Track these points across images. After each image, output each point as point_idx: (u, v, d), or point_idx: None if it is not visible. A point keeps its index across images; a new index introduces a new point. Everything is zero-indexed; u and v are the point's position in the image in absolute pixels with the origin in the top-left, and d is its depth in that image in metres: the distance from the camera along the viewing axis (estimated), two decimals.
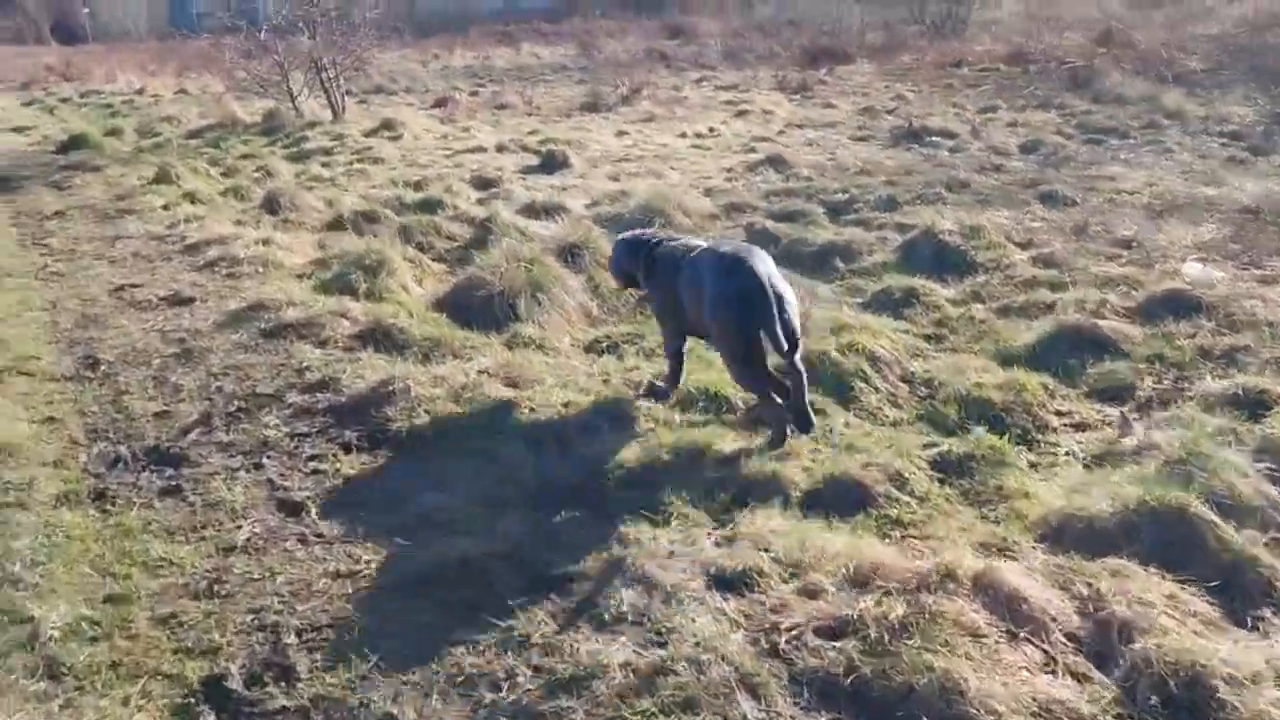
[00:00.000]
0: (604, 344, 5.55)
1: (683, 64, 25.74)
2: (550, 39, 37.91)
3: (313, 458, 4.23)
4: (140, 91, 23.74)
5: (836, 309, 5.57)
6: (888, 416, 4.46)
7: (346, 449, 4.27)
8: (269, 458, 4.26)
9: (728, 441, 4.01)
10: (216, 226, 8.46)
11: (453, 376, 4.79)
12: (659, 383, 4.65)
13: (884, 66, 22.08)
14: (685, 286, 4.20)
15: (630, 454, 3.92)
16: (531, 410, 4.44)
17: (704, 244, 4.37)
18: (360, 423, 4.50)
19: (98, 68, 29.68)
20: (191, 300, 6.58)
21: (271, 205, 9.42)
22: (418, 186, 10.37)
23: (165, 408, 4.90)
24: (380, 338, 5.60)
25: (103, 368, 5.46)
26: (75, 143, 14.25)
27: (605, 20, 45.38)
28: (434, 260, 7.66)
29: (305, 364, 5.29)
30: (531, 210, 8.90)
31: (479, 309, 6.03)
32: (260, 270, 7.15)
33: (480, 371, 4.90)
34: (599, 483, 3.80)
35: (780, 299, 3.86)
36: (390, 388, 4.70)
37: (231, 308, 6.27)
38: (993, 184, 9.02)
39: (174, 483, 4.09)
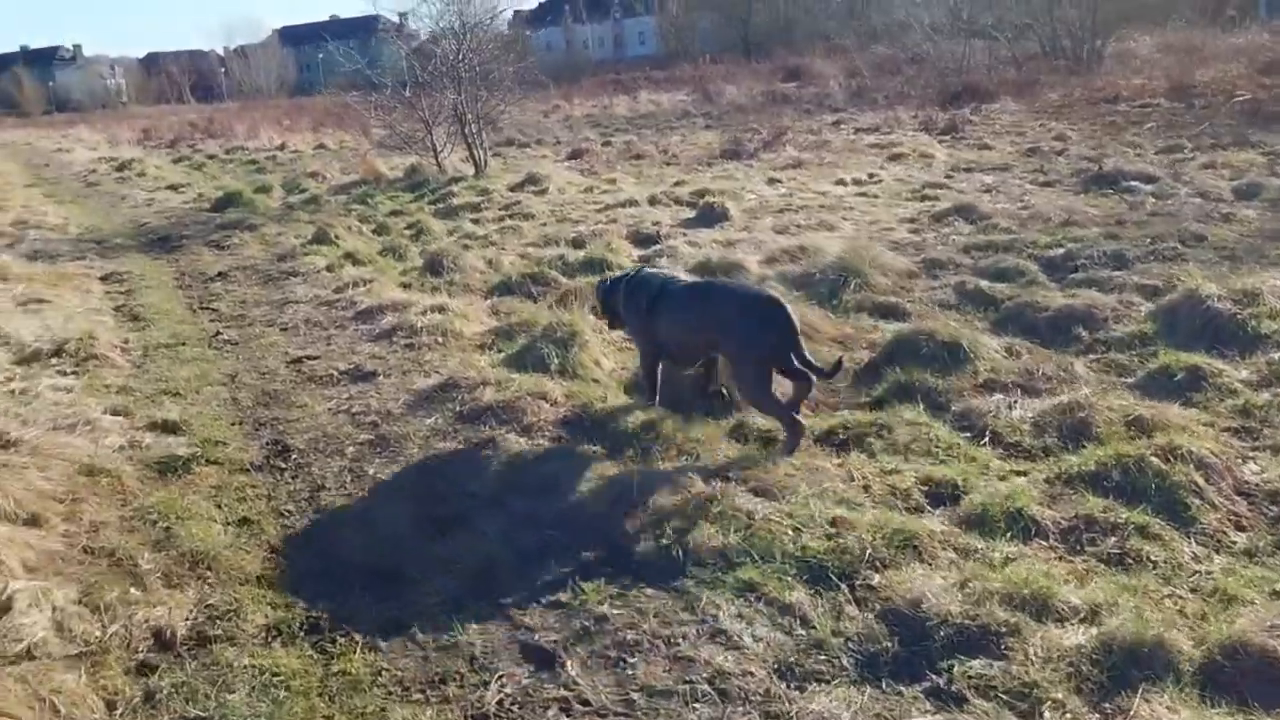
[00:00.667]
0: (841, 434, 4.87)
1: (807, 106, 25.11)
2: (663, 85, 37.80)
3: (551, 585, 3.64)
4: (281, 147, 24.30)
5: (1123, 396, 4.79)
6: (1234, 542, 3.65)
7: (587, 574, 3.68)
8: (499, 583, 3.70)
9: (1069, 588, 3.25)
10: (385, 291, 8.14)
11: (690, 481, 4.16)
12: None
13: (1031, 104, 21.02)
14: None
15: (950, 604, 3.20)
16: (797, 530, 3.78)
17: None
18: (596, 540, 3.91)
19: (238, 124, 30.71)
20: (374, 375, 6.17)
21: (434, 267, 9.07)
22: (576, 244, 9.92)
23: (369, 509, 4.42)
24: (589, 425, 5.05)
25: (294, 456, 5.04)
26: (229, 200, 14.37)
27: (715, 64, 45.31)
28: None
29: (514, 457, 4.75)
30: (706, 270, 8.31)
31: (683, 390, 5.44)
32: (440, 341, 6.72)
33: (718, 474, 4.27)
34: (926, 647, 3.08)
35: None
36: (623, 495, 4.11)
37: (419, 385, 5.82)
38: (1230, 236, 8.05)
39: (397, 615, 3.56)
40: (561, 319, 6.35)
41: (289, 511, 4.47)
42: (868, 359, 6.07)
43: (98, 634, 3.44)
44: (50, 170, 24.30)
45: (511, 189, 13.91)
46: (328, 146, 24.18)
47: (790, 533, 3.77)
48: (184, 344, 7.20)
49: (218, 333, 7.48)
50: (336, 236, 10.68)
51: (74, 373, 6.43)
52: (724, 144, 17.68)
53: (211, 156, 23.85)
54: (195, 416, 5.62)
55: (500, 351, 6.53)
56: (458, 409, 5.40)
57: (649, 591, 3.54)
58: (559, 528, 4.04)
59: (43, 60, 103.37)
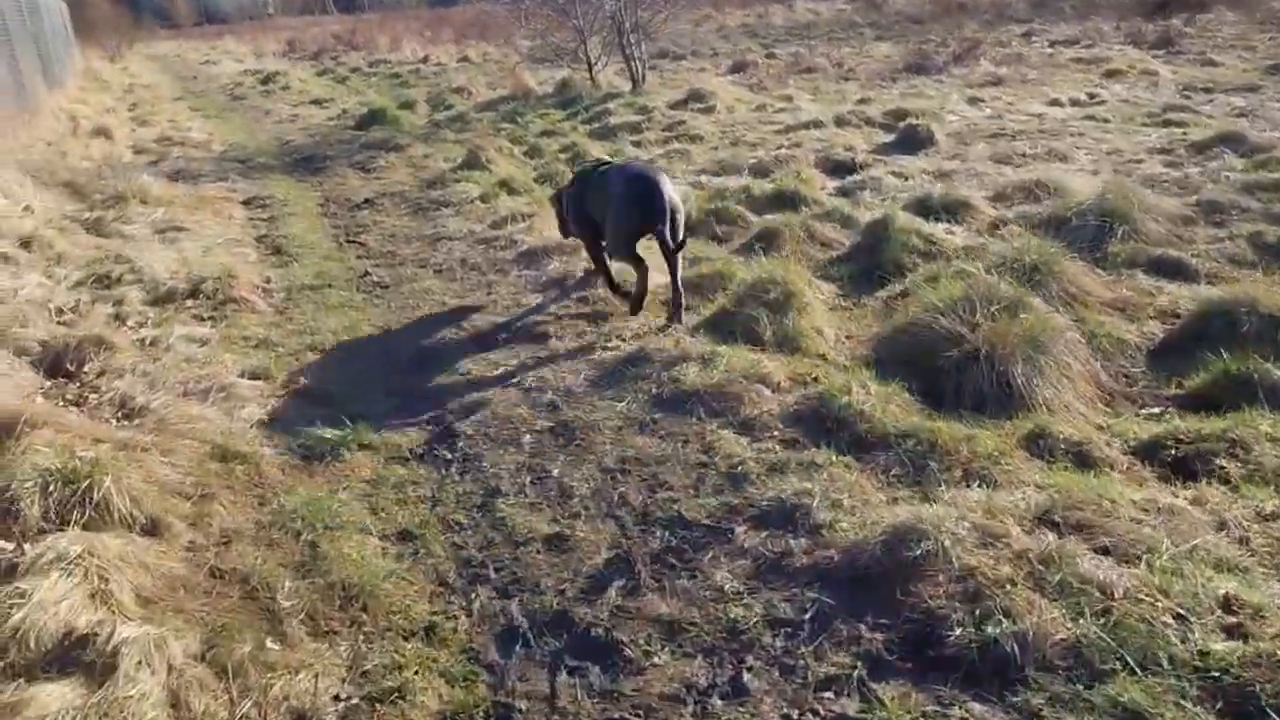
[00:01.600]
0: (1174, 449, 3.63)
1: (986, 16, 22.83)
2: None
3: (829, 682, 2.60)
4: (425, 60, 23.50)
5: None
6: None
7: (877, 669, 2.62)
8: (749, 668, 2.68)
9: None
10: (548, 228, 7.14)
11: (1002, 527, 3.03)
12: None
13: (1252, 14, 18.47)
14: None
15: None
16: (1179, 617, 2.61)
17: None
18: (879, 610, 2.84)
19: (381, 36, 30.09)
20: (546, 337, 5.19)
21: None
22: (759, 172, 8.71)
23: (558, 529, 3.44)
24: (830, 424, 3.94)
25: (460, 444, 4.11)
26: (373, 118, 13.58)
27: None
28: (820, 280, 5.94)
29: (735, 465, 3.70)
30: (925, 208, 7.02)
31: (943, 377, 4.27)
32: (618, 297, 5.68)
33: (1035, 516, 3.12)
34: None
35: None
36: (903, 539, 3.02)
37: (603, 357, 4.81)
38: None
39: (612, 705, 2.58)
40: (772, 273, 5.21)
41: (459, 524, 3.54)
42: (1163, 333, 4.77)
43: (224, 715, 2.58)
44: (197, 83, 24.16)
45: (673, 106, 12.69)
46: (472, 59, 23.26)
47: (1172, 621, 2.61)
48: (330, 285, 6.37)
49: (366, 273, 6.63)
50: (488, 161, 9.71)
51: (210, 319, 5.66)
52: (906, 57, 15.99)
53: (355, 69, 23.25)
54: (349, 387, 4.75)
55: (689, 310, 5.46)
56: (654, 391, 4.36)
57: (976, 709, 2.46)
58: (822, 585, 2.98)
59: None
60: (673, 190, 5.09)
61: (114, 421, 4.18)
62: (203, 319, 5.66)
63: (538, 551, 3.34)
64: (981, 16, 22.68)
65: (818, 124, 10.77)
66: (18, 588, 2.80)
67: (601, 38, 14.49)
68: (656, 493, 3.61)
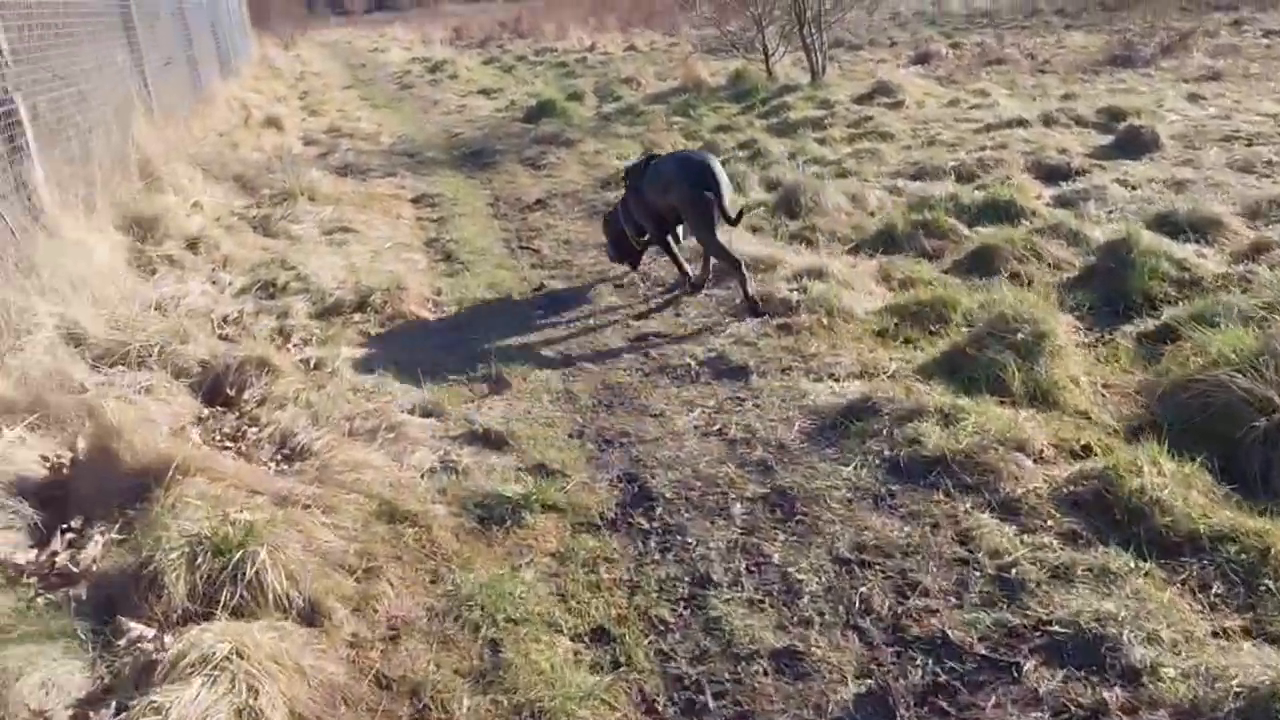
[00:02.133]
0: None
1: (1183, 3, 20.87)
2: None
3: None
4: (591, 48, 23.19)
5: None
6: None
7: None
8: None
9: None
10: (734, 238, 6.47)
11: None
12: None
13: None
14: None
15: None
16: None
17: None
18: None
19: (546, 24, 29.99)
20: (745, 371, 4.53)
21: (789, 203, 7.31)
22: (964, 177, 7.82)
23: (788, 641, 2.78)
24: (1120, 516, 3.15)
25: (658, 510, 3.49)
26: (542, 110, 13.20)
27: None
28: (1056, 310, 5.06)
29: (1009, 568, 2.96)
30: (1167, 226, 6.05)
31: (1247, 453, 3.40)
32: (824, 322, 4.96)
33: None
34: None
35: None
36: None
37: (818, 403, 4.11)
38: None
39: None
40: (1017, 308, 4.40)
41: (664, 624, 2.92)
42: None
43: None
44: (366, 71, 24.51)
45: (857, 100, 11.83)
46: (638, 48, 22.82)
47: None
48: (504, 299, 5.87)
49: (541, 285, 6.11)
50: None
51: (378, 336, 5.24)
52: (1106, 48, 14.60)
53: (520, 58, 23.12)
54: (523, 420, 4.21)
55: (909, 344, 4.70)
56: (886, 453, 3.64)
57: None
58: None
59: None
60: (720, 169, 5.35)
61: (273, 465, 3.75)
62: (370, 338, 5.23)
63: (764, 672, 2.68)
64: (1179, 2, 20.75)
65: (1021, 122, 9.74)
66: (153, 702, 2.33)
67: (779, 27, 13.68)
68: (908, 598, 2.91)
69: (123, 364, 4.65)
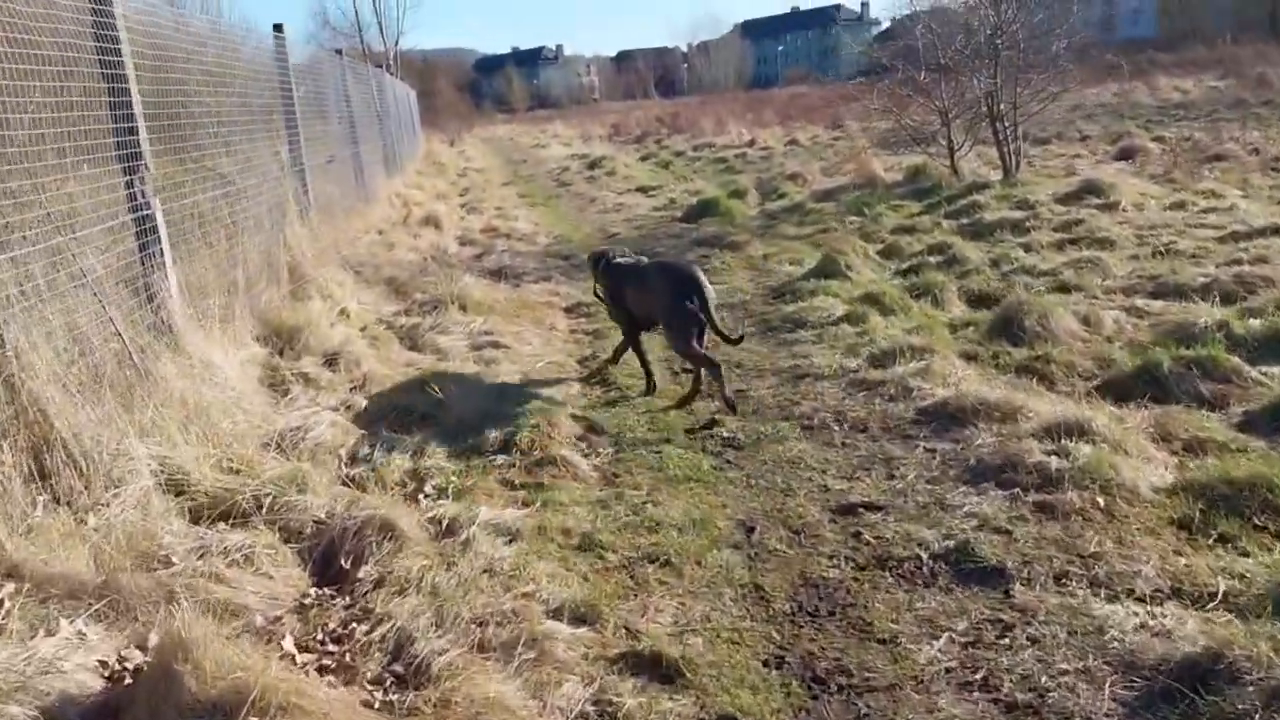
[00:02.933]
0: None
1: None
2: (1179, 69, 31.49)
3: None
4: (750, 143, 22.59)
5: None
6: None
7: None
8: None
9: None
10: (949, 368, 5.39)
11: None
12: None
13: None
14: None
15: None
16: None
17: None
18: None
19: (703, 119, 29.73)
20: (1002, 573, 3.39)
21: (1008, 327, 6.16)
22: (1226, 298, 6.49)
23: None
24: None
25: None
26: (704, 209, 12.47)
27: (1237, 46, 37.20)
28: None
29: None
30: None
31: None
32: (1100, 503, 3.77)
33: None
34: None
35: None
36: None
37: (1127, 645, 2.91)
38: None
39: None
40: None
41: None
42: None
43: None
44: (526, 166, 24.61)
45: (1061, 200, 10.58)
46: (800, 142, 22.07)
47: None
48: (668, 439, 4.92)
49: (713, 420, 5.14)
50: (848, 267, 8.10)
51: (523, 487, 4.36)
52: None
53: (678, 153, 22.72)
54: (700, 632, 3.20)
55: (1226, 544, 3.45)
56: None
57: None
58: None
59: (529, 60, 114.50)
60: (705, 280, 5.37)
61: (379, 692, 2.85)
62: (513, 487, 4.36)
63: None
64: None
65: (1277, 230, 8.30)
66: None
67: (965, 120, 12.61)
68: None
69: (227, 519, 3.90)
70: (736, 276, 8.90)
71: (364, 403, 5.36)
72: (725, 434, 4.94)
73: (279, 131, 8.64)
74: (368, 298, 8.00)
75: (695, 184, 15.53)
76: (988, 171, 12.86)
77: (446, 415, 5.11)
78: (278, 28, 8.75)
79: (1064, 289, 7.42)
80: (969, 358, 5.80)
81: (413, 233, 11.55)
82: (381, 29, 29.93)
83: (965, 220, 10.43)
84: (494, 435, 4.80)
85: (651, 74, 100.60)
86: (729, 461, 4.60)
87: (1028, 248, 8.92)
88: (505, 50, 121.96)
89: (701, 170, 19.18)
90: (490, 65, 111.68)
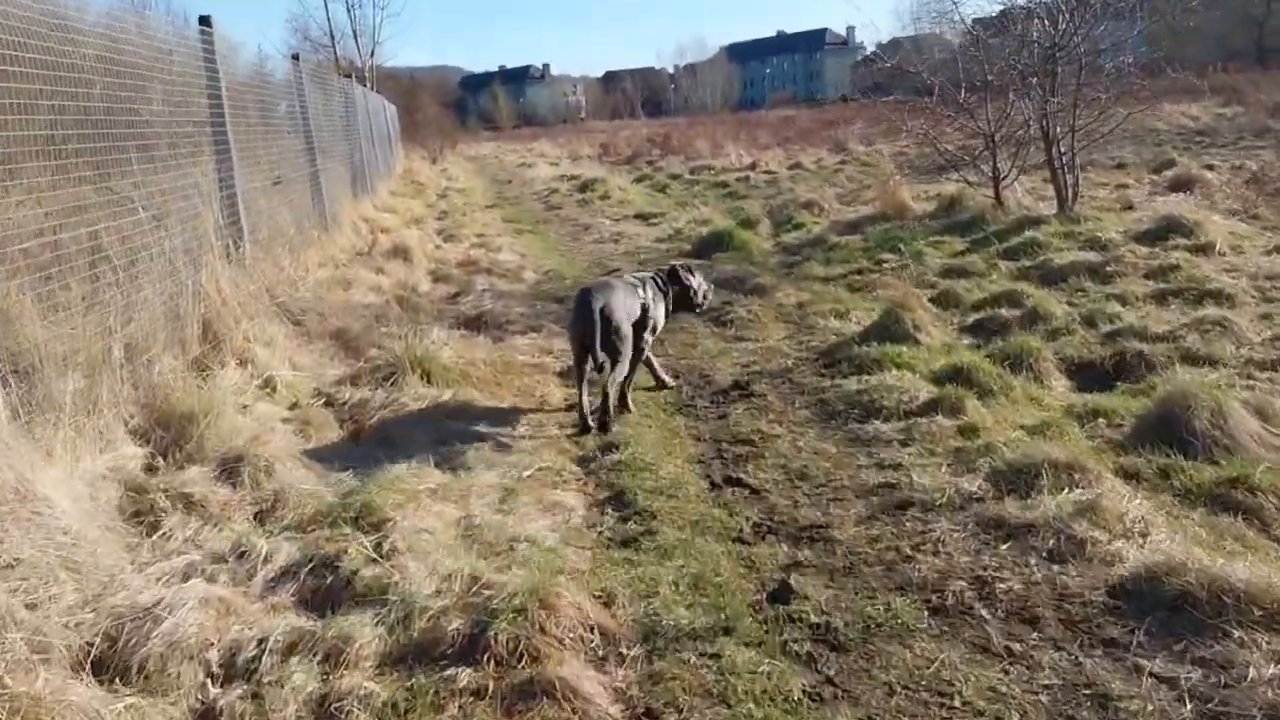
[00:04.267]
0: None
1: None
2: (1172, 95, 30.14)
3: None
4: (753, 166, 20.98)
5: None
6: None
7: None
8: None
9: None
10: (1123, 506, 3.70)
11: None
12: None
13: None
14: None
15: None
16: None
17: None
18: None
19: (697, 140, 28.11)
20: None
21: (1170, 429, 4.49)
22: None
23: None
24: None
25: None
26: (715, 242, 10.83)
27: (1229, 74, 35.96)
28: None
29: None
30: None
31: None
32: None
33: None
34: None
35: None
36: None
37: None
38: None
39: None
40: None
41: None
42: None
43: None
44: (512, 187, 22.95)
45: (1139, 240, 8.98)
46: (805, 166, 20.49)
47: None
48: (728, 629, 3.21)
49: (783, 588, 3.43)
50: (915, 326, 6.44)
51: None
52: None
53: (675, 176, 21.09)
54: None
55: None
56: None
57: None
58: None
59: (516, 79, 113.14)
60: (607, 302, 5.19)
61: None
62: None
63: None
64: None
65: None
66: None
67: (1011, 145, 11.03)
68: None
69: None
70: (770, 331, 7.25)
71: (264, 547, 3.62)
72: (812, 617, 3.24)
73: (204, 147, 6.95)
74: (306, 359, 6.28)
75: (700, 211, 13.86)
76: (1036, 203, 11.28)
77: (384, 583, 3.39)
78: (204, 20, 7.06)
79: (1191, 359, 5.82)
80: (1130, 476, 4.14)
81: (377, 266, 9.83)
82: (356, 38, 28.08)
83: (1028, 262, 8.81)
84: (455, 626, 3.08)
85: (638, 94, 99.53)
86: (829, 679, 2.90)
87: (1120, 299, 7.32)
88: (492, 69, 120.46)
89: (702, 195, 17.54)
90: (477, 83, 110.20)
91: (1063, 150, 10.31)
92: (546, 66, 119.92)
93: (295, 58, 10.73)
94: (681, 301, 5.98)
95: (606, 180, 19.88)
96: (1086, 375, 5.95)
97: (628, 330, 5.24)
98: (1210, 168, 14.09)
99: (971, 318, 7.31)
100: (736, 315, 7.69)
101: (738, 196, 16.73)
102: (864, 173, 18.68)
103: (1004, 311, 7.22)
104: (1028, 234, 9.71)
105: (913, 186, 13.30)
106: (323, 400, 5.62)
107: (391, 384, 5.69)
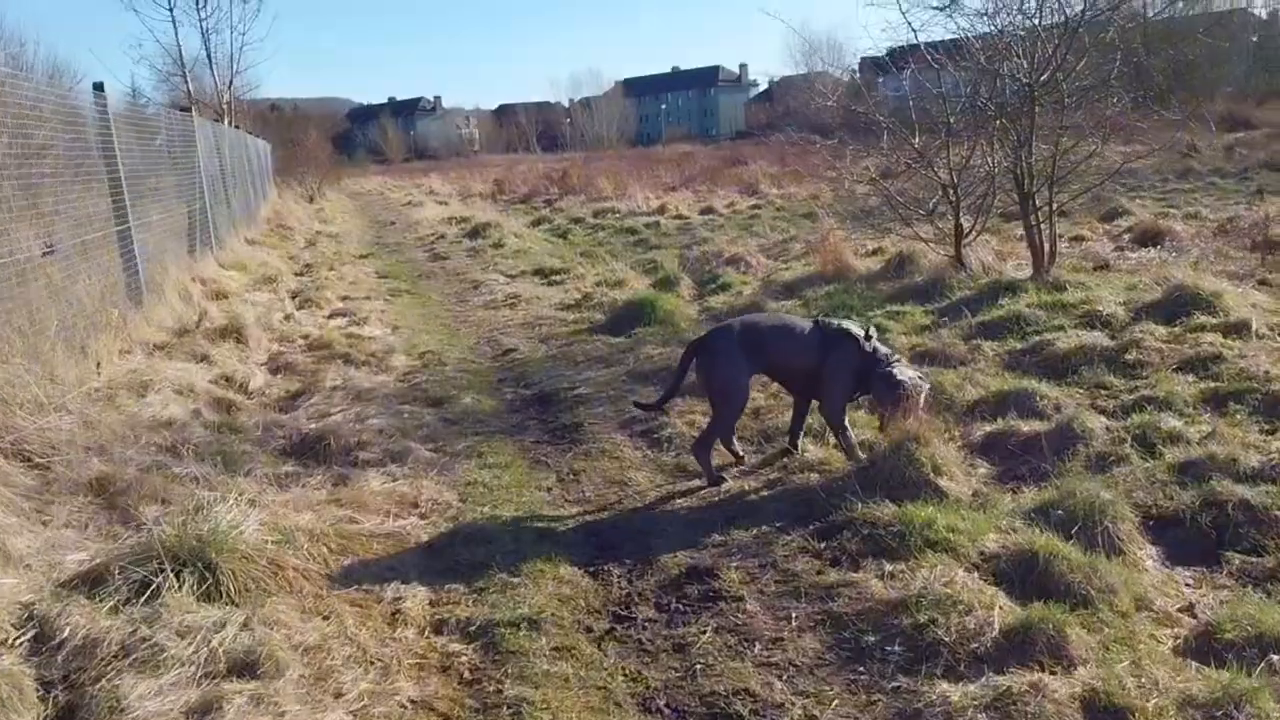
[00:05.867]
0: None
1: None
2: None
3: None
4: (661, 210, 19.20)
5: None
6: None
7: None
8: None
9: None
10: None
11: None
12: None
13: None
14: None
15: None
16: None
17: None
18: None
19: (599, 179, 26.25)
20: None
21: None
22: None
23: None
24: None
25: None
26: (634, 314, 8.86)
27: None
28: None
29: None
30: None
31: None
32: None
33: None
34: None
35: None
36: None
37: None
38: None
39: None
40: None
41: None
42: None
43: None
44: (394, 231, 20.71)
45: (1148, 314, 7.37)
46: (718, 211, 18.82)
47: None
48: None
49: None
50: (936, 469, 4.57)
51: None
52: None
53: (576, 220, 19.17)
54: None
55: None
56: None
57: None
58: None
59: (406, 110, 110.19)
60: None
61: None
62: None
63: None
64: None
65: None
66: None
67: (975, 197, 9.42)
68: None
69: None
70: (725, 459, 5.31)
71: None
72: None
73: None
74: (31, 541, 4.08)
75: (610, 266, 11.95)
76: (1000, 264, 9.69)
77: None
78: None
79: None
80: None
81: (200, 352, 7.58)
82: (213, 67, 25.19)
83: (1017, 344, 7.14)
84: None
85: (534, 128, 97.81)
86: None
87: (1164, 404, 5.63)
88: (382, 100, 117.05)
89: (608, 243, 15.67)
90: (365, 115, 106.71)
91: (1037, 204, 8.72)
92: (438, 98, 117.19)
93: (99, 87, 8.43)
94: None
95: (500, 224, 17.86)
96: (1175, 539, 4.22)
97: None
98: (1164, 215, 12.79)
99: (979, 432, 5.53)
100: (673, 432, 5.75)
101: (649, 246, 14.91)
102: (782, 218, 17.11)
103: (1020, 423, 5.48)
104: (1004, 304, 8.07)
105: (849, 242, 11.64)
106: (30, 634, 3.44)
107: (147, 600, 3.54)
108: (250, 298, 10.57)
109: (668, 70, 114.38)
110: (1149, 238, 11.17)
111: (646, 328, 8.46)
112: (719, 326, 5.41)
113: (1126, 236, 11.60)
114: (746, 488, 4.96)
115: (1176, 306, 7.42)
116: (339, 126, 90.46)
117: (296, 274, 13.33)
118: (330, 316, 10.06)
